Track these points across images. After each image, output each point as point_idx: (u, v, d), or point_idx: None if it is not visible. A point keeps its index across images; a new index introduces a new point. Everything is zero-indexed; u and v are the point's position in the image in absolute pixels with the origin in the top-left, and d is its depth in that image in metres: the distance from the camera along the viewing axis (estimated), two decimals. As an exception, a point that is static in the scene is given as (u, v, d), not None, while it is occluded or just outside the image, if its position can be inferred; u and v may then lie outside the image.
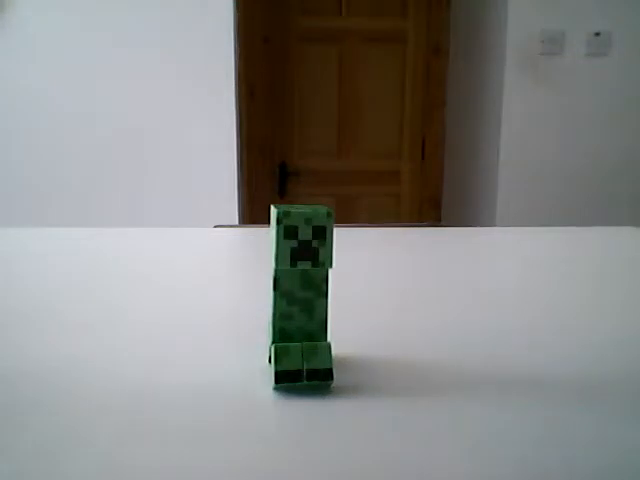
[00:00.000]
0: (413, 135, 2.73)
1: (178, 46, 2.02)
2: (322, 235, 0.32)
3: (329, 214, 0.32)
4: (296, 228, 0.32)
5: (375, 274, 0.65)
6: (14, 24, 1.98)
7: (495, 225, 2.23)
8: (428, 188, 2.78)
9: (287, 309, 0.34)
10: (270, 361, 0.36)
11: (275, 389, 0.34)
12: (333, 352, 0.40)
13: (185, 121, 2.07)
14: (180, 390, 0.34)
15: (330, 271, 0.66)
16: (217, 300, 0.53)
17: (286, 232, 0.32)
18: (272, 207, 0.34)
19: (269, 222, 2.60)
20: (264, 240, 0.88)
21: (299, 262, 0.32)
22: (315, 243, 0.32)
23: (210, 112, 2.06)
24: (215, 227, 1.03)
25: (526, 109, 2.16)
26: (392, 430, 0.29)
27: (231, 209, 2.13)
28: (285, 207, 0.33)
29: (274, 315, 0.34)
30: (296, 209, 0.32)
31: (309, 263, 0.33)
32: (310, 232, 0.32)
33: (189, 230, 0.96)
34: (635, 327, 0.46)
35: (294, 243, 0.32)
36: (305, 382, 0.33)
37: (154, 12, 1.99)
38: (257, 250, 0.80)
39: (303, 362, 0.33)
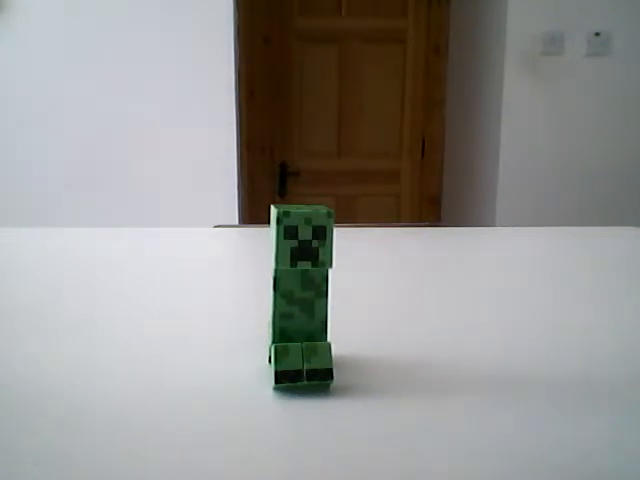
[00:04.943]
0: (413, 135, 2.73)
1: (178, 46, 2.02)
2: (322, 235, 0.32)
3: (329, 214, 0.32)
4: (296, 228, 0.32)
5: (375, 274, 0.65)
6: (14, 24, 1.98)
7: (495, 225, 2.23)
8: (428, 187, 2.78)
9: (287, 309, 0.34)
10: (270, 361, 0.36)
11: (275, 389, 0.34)
12: (333, 352, 0.40)
13: (185, 121, 2.07)
14: (180, 390, 0.33)
15: (330, 271, 0.66)
16: (217, 300, 0.53)
17: (286, 232, 0.32)
18: (272, 207, 0.34)
19: (269, 222, 2.60)
20: (264, 240, 0.88)
21: (299, 262, 0.32)
22: (315, 243, 0.32)
23: (210, 112, 2.06)
24: (215, 227, 1.03)
25: (526, 109, 2.16)
26: (392, 430, 0.29)
27: (231, 209, 2.13)
28: (285, 207, 0.33)
29: (274, 315, 0.34)
30: (296, 209, 0.32)
31: (309, 263, 0.33)
32: (310, 232, 0.32)
33: (189, 230, 0.96)
34: (636, 327, 0.46)
35: (294, 243, 0.32)
36: (305, 382, 0.33)
37: (154, 12, 1.99)
38: (257, 250, 0.80)
39: (303, 362, 0.33)
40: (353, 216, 2.77)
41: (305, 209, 0.33)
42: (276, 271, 0.33)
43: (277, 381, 0.33)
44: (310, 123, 2.67)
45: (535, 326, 0.46)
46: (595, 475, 0.25)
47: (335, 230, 1.00)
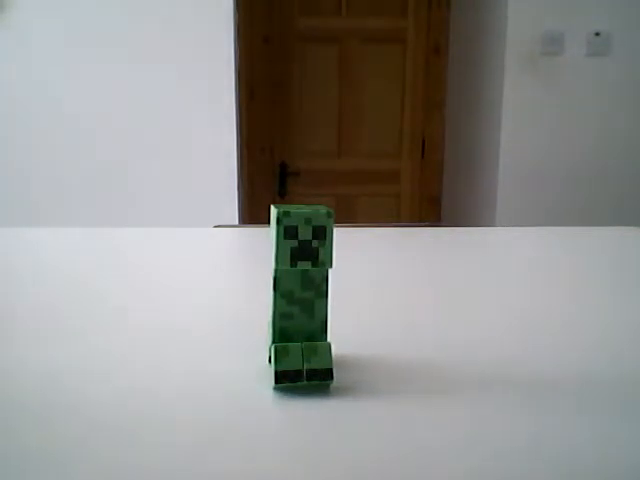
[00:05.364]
0: (413, 135, 2.73)
1: (178, 46, 2.02)
2: (322, 235, 0.32)
3: (329, 214, 0.32)
4: (296, 228, 0.32)
5: (375, 274, 0.65)
6: (14, 24, 1.98)
7: (495, 225, 2.23)
8: (428, 188, 2.78)
9: (287, 309, 0.34)
10: (270, 361, 0.36)
11: (275, 389, 0.34)
12: (333, 352, 0.40)
13: (185, 121, 2.07)
14: (180, 391, 0.33)
15: (330, 271, 0.66)
16: (217, 300, 0.53)
17: (286, 232, 0.32)
18: (272, 207, 0.34)
19: (269, 222, 2.60)
20: (264, 240, 0.88)
21: (299, 262, 0.32)
22: (315, 243, 0.32)
23: (210, 112, 2.06)
24: (215, 227, 1.03)
25: (526, 109, 2.16)
26: (392, 430, 0.29)
27: (231, 209, 2.13)
28: (285, 207, 0.33)
29: (274, 315, 0.34)
30: (296, 209, 0.32)
31: (309, 263, 0.33)
32: (310, 232, 0.32)
33: (189, 230, 0.96)
34: (635, 327, 0.46)
35: (294, 243, 0.32)
36: (305, 382, 0.33)
37: (154, 12, 1.99)
38: (257, 250, 0.80)
39: (303, 362, 0.33)
40: (353, 216, 2.77)
41: (305, 209, 0.33)
42: (276, 271, 0.33)
43: (277, 381, 0.33)
44: (310, 123, 2.67)
45: (536, 326, 0.46)
46: (603, 476, 0.25)
47: (335, 230, 1.00)
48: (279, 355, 0.33)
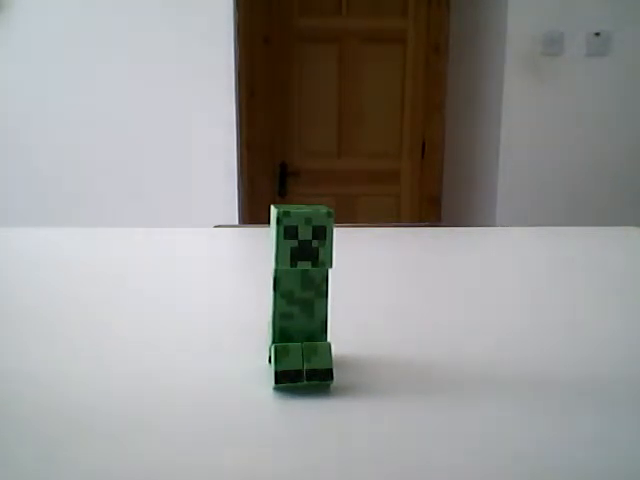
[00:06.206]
0: (413, 135, 2.73)
1: (178, 46, 2.02)
2: (322, 235, 0.32)
3: (329, 214, 0.32)
4: (296, 228, 0.32)
5: (375, 274, 0.65)
6: (14, 24, 1.98)
7: (495, 225, 2.23)
8: (428, 188, 2.78)
9: (287, 309, 0.34)
10: (270, 361, 0.36)
11: (275, 389, 0.34)
12: (333, 352, 0.40)
13: (185, 121, 2.07)
14: (180, 390, 0.33)
15: (330, 271, 0.66)
16: (217, 300, 0.53)
17: (286, 232, 0.32)
18: (272, 207, 0.34)
19: (269, 222, 2.60)
20: (264, 240, 0.88)
21: (299, 262, 0.32)
22: (315, 243, 0.32)
23: (210, 112, 2.06)
24: (215, 227, 1.03)
25: (526, 109, 2.16)
26: (392, 430, 0.29)
27: (231, 209, 2.13)
28: (285, 207, 0.33)
29: (274, 315, 0.34)
30: (296, 209, 0.32)
31: (309, 263, 0.33)
32: (310, 232, 0.32)
33: (189, 230, 0.96)
34: (636, 327, 0.46)
35: (294, 243, 0.32)
36: (305, 382, 0.33)
37: (154, 12, 1.99)
38: (257, 250, 0.80)
39: (303, 362, 0.33)
40: (353, 216, 2.77)
41: (305, 209, 0.33)
42: (276, 271, 0.33)
43: (277, 381, 0.33)
44: (310, 123, 2.67)
45: (534, 326, 0.46)
46: (597, 475, 0.25)
47: (335, 230, 1.00)
48: (279, 355, 0.33)
